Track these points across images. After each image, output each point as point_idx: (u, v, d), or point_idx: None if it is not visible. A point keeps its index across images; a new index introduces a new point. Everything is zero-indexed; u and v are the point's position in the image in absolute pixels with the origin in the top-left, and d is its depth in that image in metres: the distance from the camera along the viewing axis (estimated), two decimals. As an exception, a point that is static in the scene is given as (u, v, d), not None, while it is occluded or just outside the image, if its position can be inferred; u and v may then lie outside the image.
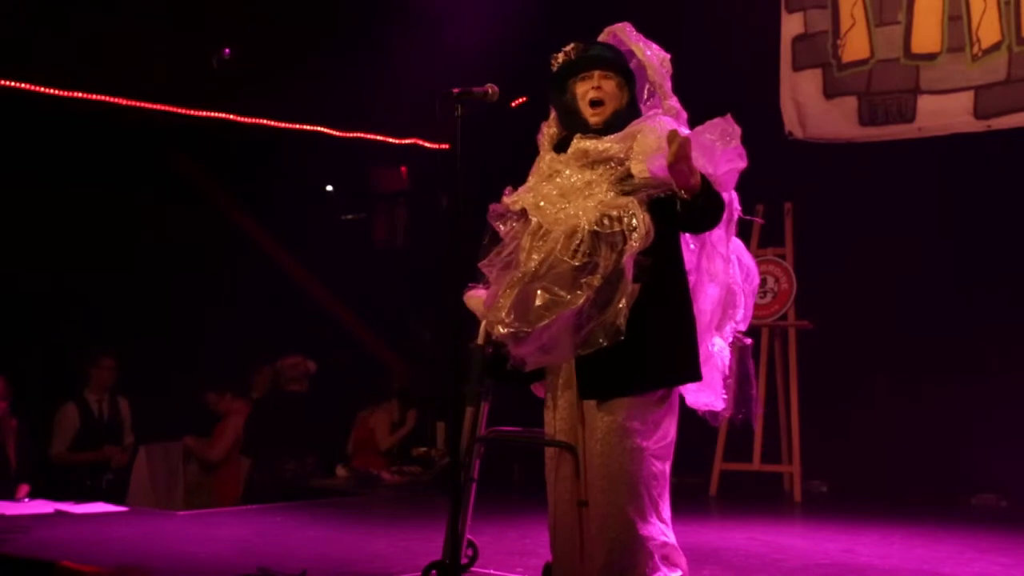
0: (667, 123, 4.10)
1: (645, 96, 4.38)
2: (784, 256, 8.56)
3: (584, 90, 4.19)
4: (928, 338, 8.21)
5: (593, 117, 4.20)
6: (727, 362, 4.42)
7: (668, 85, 4.30)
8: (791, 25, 8.62)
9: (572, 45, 4.26)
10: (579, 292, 3.93)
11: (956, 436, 7.89)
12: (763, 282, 8.54)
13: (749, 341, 4.52)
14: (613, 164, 4.09)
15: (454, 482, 4.33)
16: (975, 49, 7.86)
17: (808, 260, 8.51)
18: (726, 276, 4.37)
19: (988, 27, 7.80)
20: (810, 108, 8.52)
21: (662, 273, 4.10)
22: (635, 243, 3.94)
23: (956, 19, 7.93)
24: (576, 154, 4.19)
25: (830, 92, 8.45)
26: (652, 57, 4.27)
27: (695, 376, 4.24)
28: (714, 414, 4.45)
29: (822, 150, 8.50)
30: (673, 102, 4.30)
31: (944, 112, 7.97)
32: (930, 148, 8.09)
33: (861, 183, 8.48)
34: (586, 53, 4.23)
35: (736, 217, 4.37)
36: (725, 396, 4.41)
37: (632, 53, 4.37)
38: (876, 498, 8.00)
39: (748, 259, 4.50)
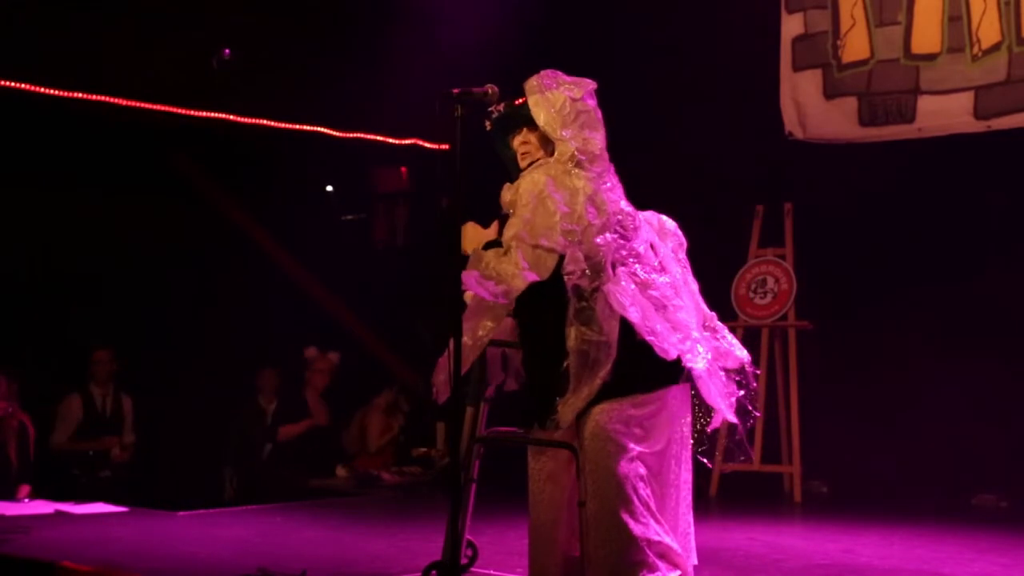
0: (528, 183, 4.38)
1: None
2: (784, 256, 8.57)
3: (517, 143, 4.58)
4: (928, 338, 8.21)
5: (523, 165, 4.55)
6: (722, 376, 4.45)
7: (570, 128, 4.43)
8: (791, 25, 8.63)
9: (503, 103, 4.54)
10: (477, 334, 4.40)
11: (956, 436, 7.89)
12: (763, 282, 8.55)
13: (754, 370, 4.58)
14: (509, 212, 4.45)
15: (454, 482, 4.34)
16: (975, 49, 7.86)
17: (808, 260, 8.51)
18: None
19: (988, 27, 7.80)
20: (810, 108, 8.53)
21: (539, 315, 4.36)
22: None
23: (956, 19, 7.93)
24: (501, 202, 4.55)
25: (830, 92, 8.45)
26: (543, 103, 4.46)
27: (642, 389, 4.30)
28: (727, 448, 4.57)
29: (822, 150, 8.50)
30: (573, 143, 4.42)
31: (944, 112, 7.97)
32: (930, 148, 8.09)
33: (861, 183, 8.48)
34: (517, 110, 4.54)
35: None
36: (731, 407, 4.45)
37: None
38: (876, 498, 8.01)
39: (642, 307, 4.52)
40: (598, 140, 4.46)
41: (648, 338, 4.25)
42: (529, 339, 4.46)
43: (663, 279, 4.42)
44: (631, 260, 4.37)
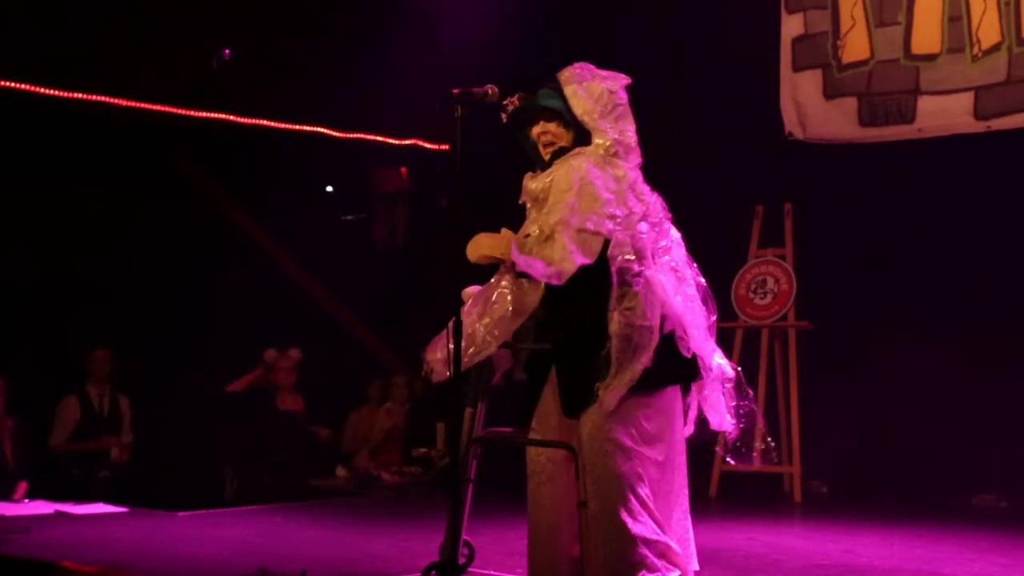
0: (569, 168, 4.34)
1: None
2: (784, 256, 8.57)
3: (536, 133, 4.52)
4: (928, 338, 8.21)
5: (545, 154, 4.51)
6: (729, 384, 4.46)
7: (606, 119, 4.45)
8: (791, 26, 8.63)
9: (518, 95, 4.54)
10: (477, 326, 4.42)
11: (956, 436, 7.89)
12: (763, 282, 8.56)
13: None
14: (540, 200, 4.39)
15: (453, 483, 4.33)
16: (975, 50, 7.86)
17: (808, 260, 8.51)
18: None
19: (988, 28, 7.80)
20: (810, 109, 8.53)
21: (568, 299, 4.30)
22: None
23: (956, 20, 7.93)
24: (525, 191, 4.52)
25: (830, 93, 8.45)
26: (582, 94, 4.46)
27: (652, 385, 4.30)
28: (734, 447, 4.57)
29: (822, 150, 8.50)
30: (610, 134, 4.42)
31: (944, 113, 7.97)
32: (930, 148, 8.09)
33: (861, 183, 8.48)
34: (531, 102, 4.51)
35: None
36: (733, 419, 4.46)
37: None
38: (876, 498, 8.01)
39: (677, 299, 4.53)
40: (632, 133, 4.47)
41: (681, 331, 4.27)
42: (567, 325, 4.38)
43: (690, 276, 4.45)
44: (663, 253, 4.39)
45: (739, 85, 8.60)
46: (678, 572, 4.26)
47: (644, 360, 4.19)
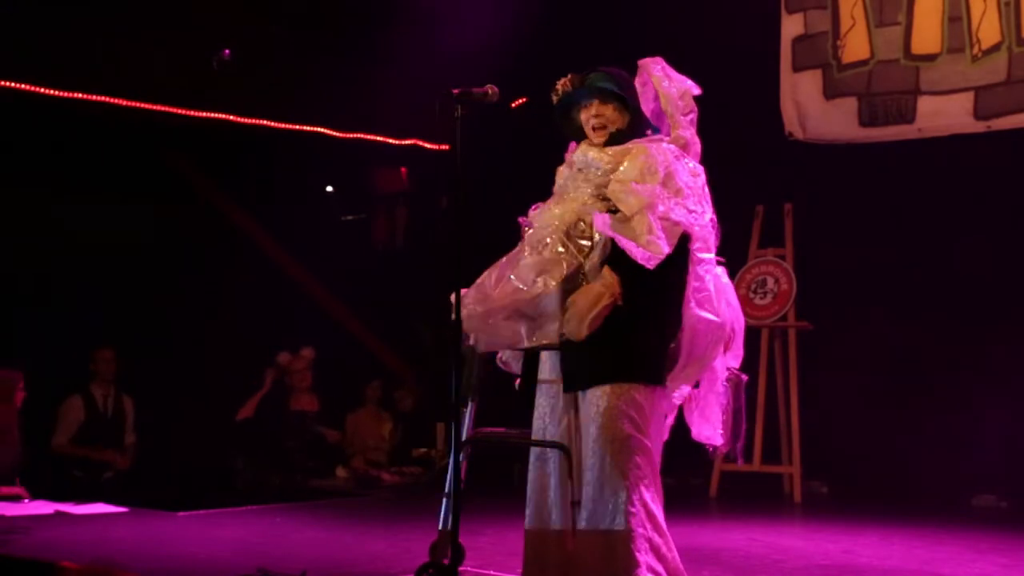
0: (655, 152, 4.27)
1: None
2: (784, 256, 8.57)
3: (587, 117, 4.41)
4: (928, 338, 8.21)
5: (597, 139, 4.41)
6: (728, 398, 4.47)
7: (684, 117, 4.46)
8: (791, 26, 8.63)
9: (569, 76, 4.44)
10: (537, 283, 4.18)
11: (956, 436, 7.89)
12: (763, 282, 8.56)
13: (745, 377, 4.59)
14: (600, 172, 4.30)
15: (442, 484, 4.32)
16: (975, 50, 7.86)
17: (808, 260, 8.52)
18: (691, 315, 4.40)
19: (988, 28, 7.81)
20: (810, 109, 8.53)
21: (638, 283, 4.16)
22: (595, 256, 4.20)
23: (956, 20, 7.94)
24: (577, 160, 4.40)
25: (830, 93, 8.46)
26: (670, 88, 4.48)
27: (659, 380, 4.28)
28: (714, 447, 4.55)
29: (822, 150, 8.51)
30: (684, 132, 4.43)
31: (944, 113, 7.98)
32: (930, 148, 8.09)
33: (861, 183, 8.49)
34: (583, 84, 4.41)
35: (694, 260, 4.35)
36: (723, 432, 4.46)
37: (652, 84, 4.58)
38: (876, 498, 8.01)
39: (734, 299, 4.52)
40: (699, 145, 4.48)
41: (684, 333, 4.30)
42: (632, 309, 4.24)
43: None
44: (710, 266, 4.41)
45: (739, 85, 8.60)
46: (660, 566, 4.19)
47: (719, 353, 4.31)
